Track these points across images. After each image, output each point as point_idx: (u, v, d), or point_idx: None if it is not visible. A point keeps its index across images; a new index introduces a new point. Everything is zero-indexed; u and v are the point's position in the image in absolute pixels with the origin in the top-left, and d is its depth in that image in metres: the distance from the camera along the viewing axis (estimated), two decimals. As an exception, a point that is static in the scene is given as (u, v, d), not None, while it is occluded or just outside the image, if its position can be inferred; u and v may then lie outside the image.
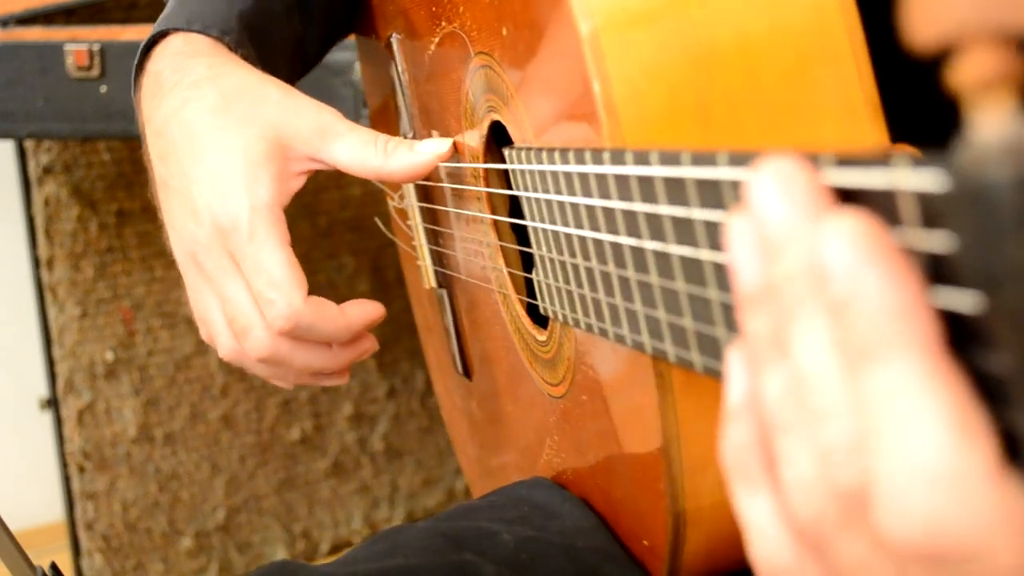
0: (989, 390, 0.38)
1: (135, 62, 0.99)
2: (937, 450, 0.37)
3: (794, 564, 0.45)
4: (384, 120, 1.23)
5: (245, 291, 0.90)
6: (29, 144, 1.95)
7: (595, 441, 0.84)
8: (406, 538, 0.87)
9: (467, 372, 1.15)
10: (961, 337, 0.38)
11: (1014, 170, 0.34)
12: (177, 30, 0.97)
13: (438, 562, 0.84)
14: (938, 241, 0.38)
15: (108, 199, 1.99)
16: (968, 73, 0.35)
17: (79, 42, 1.65)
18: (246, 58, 0.97)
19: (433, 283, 1.17)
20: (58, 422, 2.01)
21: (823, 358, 0.41)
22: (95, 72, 1.65)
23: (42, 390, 2.02)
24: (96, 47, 1.64)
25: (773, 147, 0.45)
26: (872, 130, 0.66)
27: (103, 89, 1.66)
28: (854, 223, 0.40)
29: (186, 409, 2.05)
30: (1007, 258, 0.35)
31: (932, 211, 0.38)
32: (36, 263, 1.98)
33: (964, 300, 0.37)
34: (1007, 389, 0.37)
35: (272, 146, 0.91)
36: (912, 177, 0.38)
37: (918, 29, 0.35)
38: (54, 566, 0.94)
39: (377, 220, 1.34)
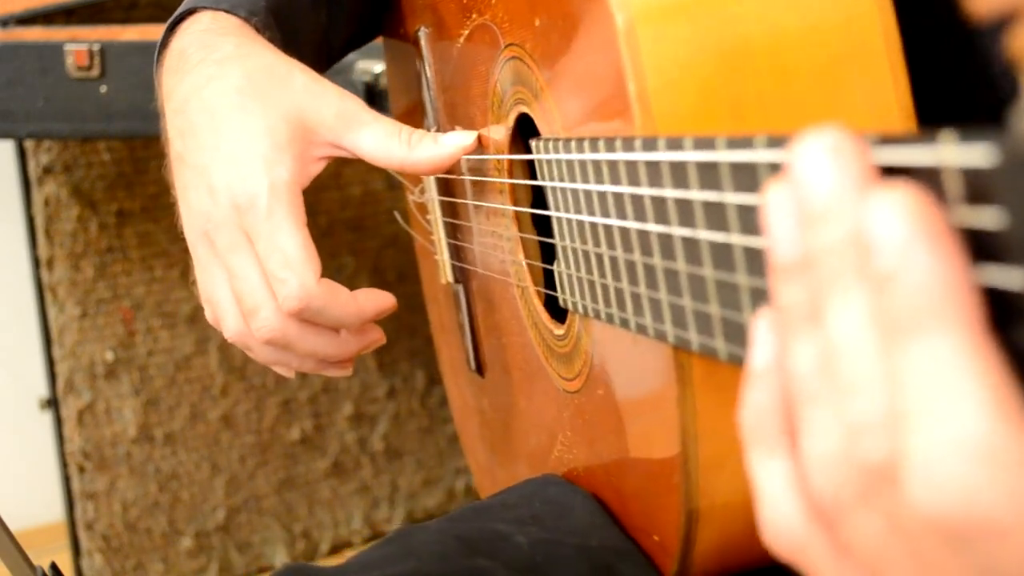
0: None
1: (160, 39, 0.98)
2: (975, 425, 0.37)
3: (802, 535, 0.45)
4: (410, 118, 1.23)
5: (257, 269, 0.88)
6: (29, 144, 1.95)
7: (609, 435, 0.84)
8: (419, 541, 0.86)
9: (480, 369, 1.15)
10: (1005, 316, 0.38)
11: None
12: (205, 8, 0.97)
13: (451, 567, 0.83)
14: (986, 217, 0.38)
15: (108, 199, 1.99)
16: (1027, 41, 0.35)
17: (79, 42, 1.65)
18: (272, 41, 0.97)
19: (450, 278, 1.17)
20: (58, 422, 2.00)
21: (859, 332, 0.41)
22: (95, 72, 1.65)
23: (42, 390, 2.02)
24: (96, 47, 1.64)
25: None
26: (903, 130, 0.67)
27: (103, 89, 1.65)
28: (906, 196, 0.39)
29: (186, 409, 2.05)
30: None
31: (979, 187, 0.37)
32: (36, 263, 1.98)
33: (1011, 277, 0.37)
34: None
35: (295, 129, 0.90)
36: (959, 153, 0.38)
37: None
38: (54, 566, 0.94)
39: (397, 214, 1.34)
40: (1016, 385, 0.38)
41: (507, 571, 0.82)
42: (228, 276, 0.90)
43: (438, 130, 1.10)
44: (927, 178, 0.39)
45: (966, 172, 0.38)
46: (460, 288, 1.15)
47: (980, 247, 0.38)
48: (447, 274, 1.18)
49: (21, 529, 2.02)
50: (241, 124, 0.90)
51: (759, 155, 0.49)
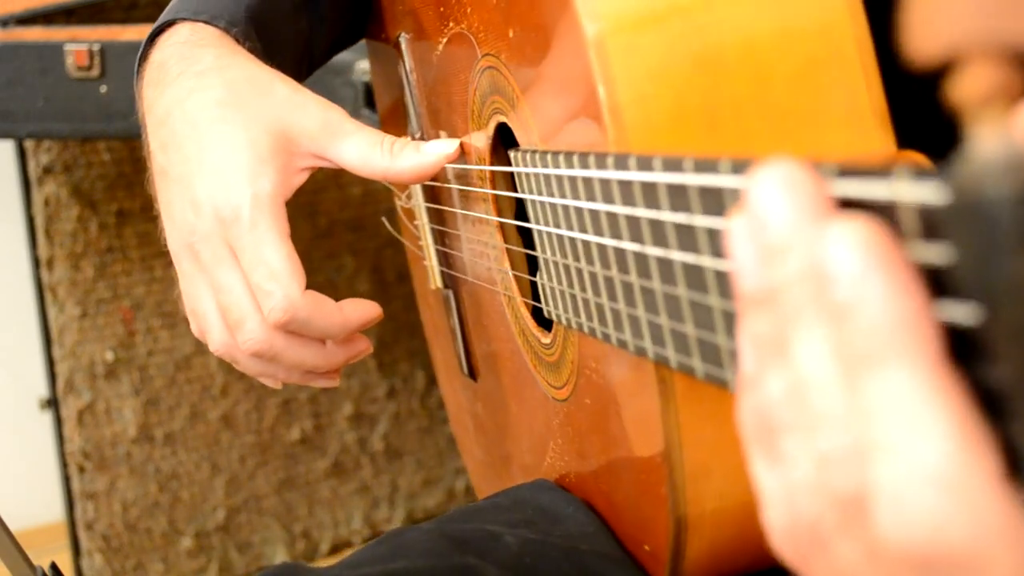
0: (989, 403, 0.38)
1: (139, 51, 0.98)
2: (939, 457, 0.37)
3: (801, 547, 0.45)
4: (394, 120, 1.23)
5: (242, 282, 0.88)
6: (29, 144, 1.95)
7: (598, 445, 0.84)
8: (410, 540, 0.87)
9: (472, 373, 1.15)
10: (961, 349, 0.38)
11: (1013, 186, 0.34)
12: (184, 20, 0.97)
13: (441, 565, 0.83)
14: (938, 253, 0.38)
15: (108, 199, 1.99)
16: (968, 88, 0.35)
17: (79, 42, 1.65)
18: (253, 52, 0.96)
19: (439, 283, 1.17)
20: (58, 422, 2.01)
21: (822, 366, 0.41)
22: (95, 72, 1.65)
23: (42, 390, 2.02)
24: (96, 47, 1.64)
25: (779, 153, 0.45)
26: (879, 136, 0.66)
27: (103, 89, 1.65)
28: (860, 228, 0.39)
29: (186, 409, 2.05)
30: (1005, 273, 0.35)
31: (932, 223, 0.38)
32: (36, 263, 1.98)
33: (963, 312, 0.37)
34: (1006, 402, 0.37)
35: (277, 141, 0.90)
36: (913, 189, 0.38)
37: (918, 43, 0.35)
38: (54, 566, 0.94)
39: (384, 220, 1.34)
40: (977, 416, 0.38)
41: (496, 570, 0.83)
42: (213, 289, 0.90)
43: (422, 135, 1.10)
44: (884, 212, 0.40)
45: (920, 208, 0.38)
46: (450, 293, 1.15)
47: (935, 281, 0.38)
48: (436, 279, 1.18)
49: (21, 529, 2.02)
50: (223, 137, 0.90)
51: (723, 180, 0.48)
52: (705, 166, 0.50)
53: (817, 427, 0.42)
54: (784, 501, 0.45)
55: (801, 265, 0.42)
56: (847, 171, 0.41)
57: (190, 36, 0.96)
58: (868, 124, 0.66)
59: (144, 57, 0.98)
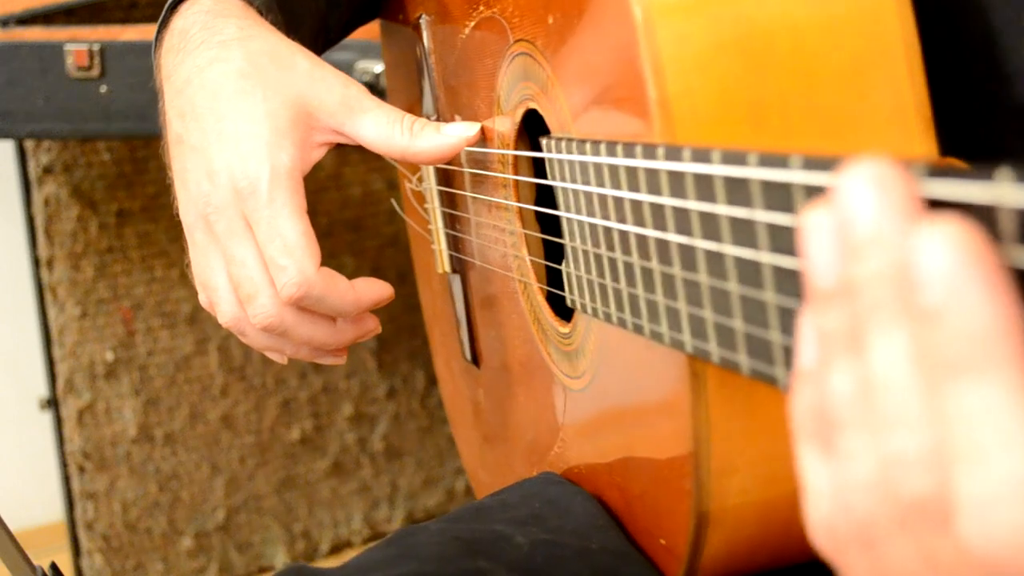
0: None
1: (160, 18, 0.97)
2: None
3: (842, 542, 0.45)
4: (404, 102, 1.22)
5: (256, 255, 0.88)
6: (29, 144, 1.95)
7: (615, 436, 0.84)
8: (419, 542, 0.85)
9: (476, 360, 1.15)
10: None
11: None
12: None
13: (452, 569, 0.82)
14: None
15: (108, 199, 1.99)
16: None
17: (79, 42, 1.65)
18: (275, 24, 0.96)
19: (447, 268, 1.16)
20: (58, 422, 2.00)
21: (901, 368, 0.41)
22: (95, 72, 1.65)
23: (42, 390, 2.02)
24: (96, 47, 1.64)
25: (824, 152, 0.44)
26: (922, 140, 0.66)
27: (103, 89, 1.65)
28: (957, 231, 0.39)
29: (186, 409, 2.05)
30: None
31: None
32: (36, 263, 1.97)
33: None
34: None
35: (297, 114, 0.90)
36: (1015, 191, 0.37)
37: None
38: (54, 566, 0.94)
39: (394, 202, 1.34)
40: None
41: (508, 573, 0.82)
42: (226, 261, 0.90)
43: (438, 118, 1.09)
44: (979, 214, 0.39)
45: (1021, 212, 0.37)
46: (457, 278, 1.15)
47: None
48: (444, 264, 1.17)
49: (21, 529, 2.02)
50: (243, 108, 0.89)
51: (794, 175, 0.48)
52: (772, 160, 0.50)
53: (887, 428, 0.42)
54: (833, 495, 0.45)
55: (886, 263, 0.41)
56: (939, 172, 0.41)
57: (213, 5, 0.95)
58: (912, 127, 0.66)
59: (164, 24, 0.97)
